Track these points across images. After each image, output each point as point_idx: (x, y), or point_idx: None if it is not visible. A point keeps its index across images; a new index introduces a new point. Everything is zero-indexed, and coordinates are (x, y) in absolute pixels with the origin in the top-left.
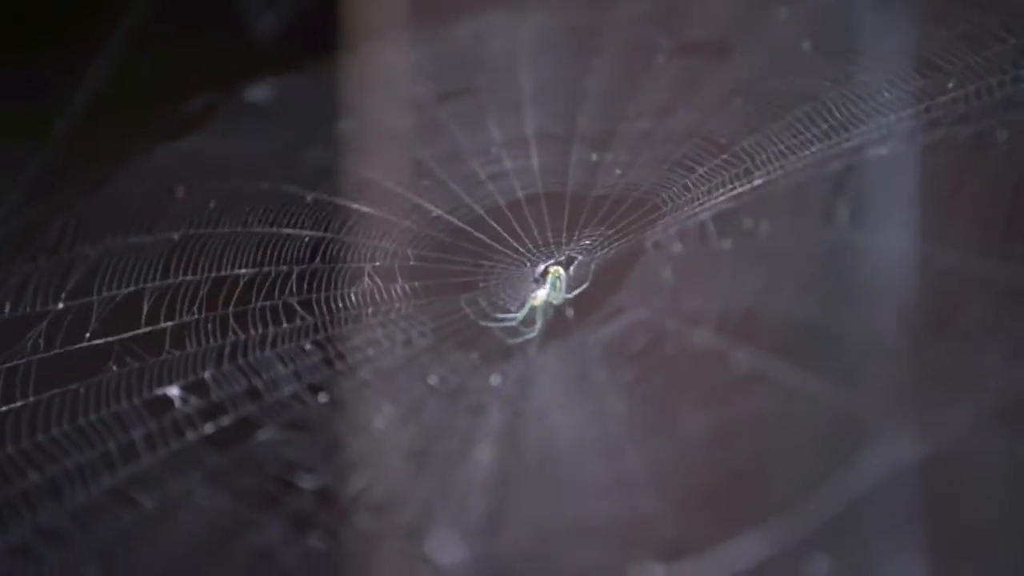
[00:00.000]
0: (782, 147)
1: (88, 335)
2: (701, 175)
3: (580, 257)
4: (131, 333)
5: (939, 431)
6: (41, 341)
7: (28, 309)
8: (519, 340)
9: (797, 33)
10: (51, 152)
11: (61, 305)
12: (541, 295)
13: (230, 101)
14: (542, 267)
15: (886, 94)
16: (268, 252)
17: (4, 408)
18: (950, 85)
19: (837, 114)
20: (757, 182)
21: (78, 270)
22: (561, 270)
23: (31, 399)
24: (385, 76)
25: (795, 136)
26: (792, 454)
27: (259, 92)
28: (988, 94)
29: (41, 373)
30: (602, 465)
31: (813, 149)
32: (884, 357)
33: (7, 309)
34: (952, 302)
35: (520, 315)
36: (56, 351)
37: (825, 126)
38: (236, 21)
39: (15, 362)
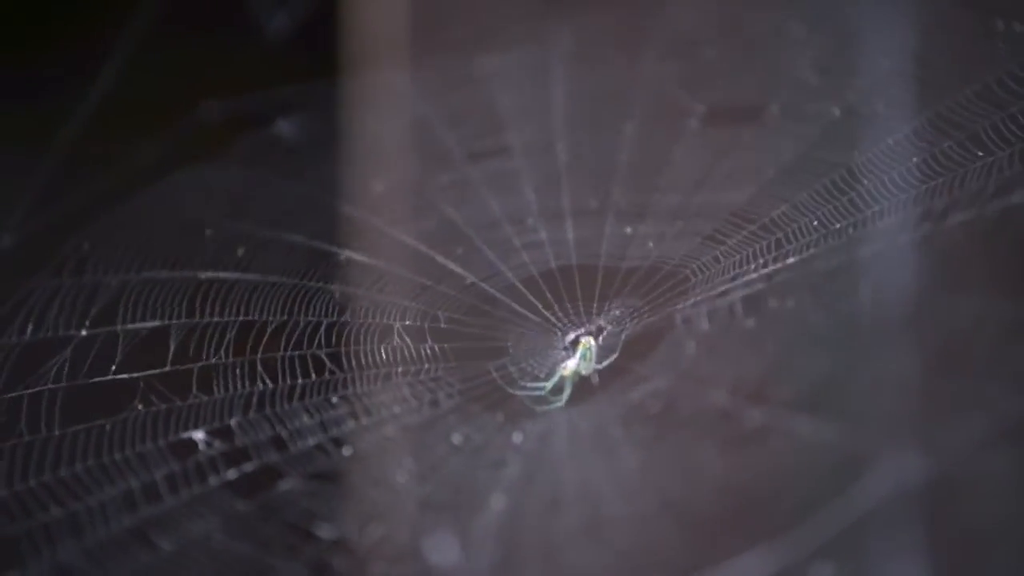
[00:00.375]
0: (812, 219)
1: (114, 368)
2: (731, 247)
3: (610, 328)
4: (158, 371)
5: (941, 452)
6: (66, 369)
7: (51, 332)
8: (547, 408)
9: (828, 97)
10: (60, 156)
11: (85, 332)
12: (571, 365)
13: (249, 122)
14: (572, 336)
15: (914, 159)
16: (297, 303)
17: (29, 438)
18: (980, 154)
19: (865, 181)
20: (791, 260)
21: (102, 297)
22: (592, 340)
23: (56, 432)
24: (414, 124)
25: (823, 206)
26: (799, 486)
27: (285, 125)
28: (1021, 162)
29: (65, 401)
30: (615, 507)
31: (844, 224)
32: (890, 397)
33: (30, 329)
34: (957, 337)
35: (549, 384)
36: (81, 382)
37: (853, 194)
38: (246, 22)
39: (39, 388)
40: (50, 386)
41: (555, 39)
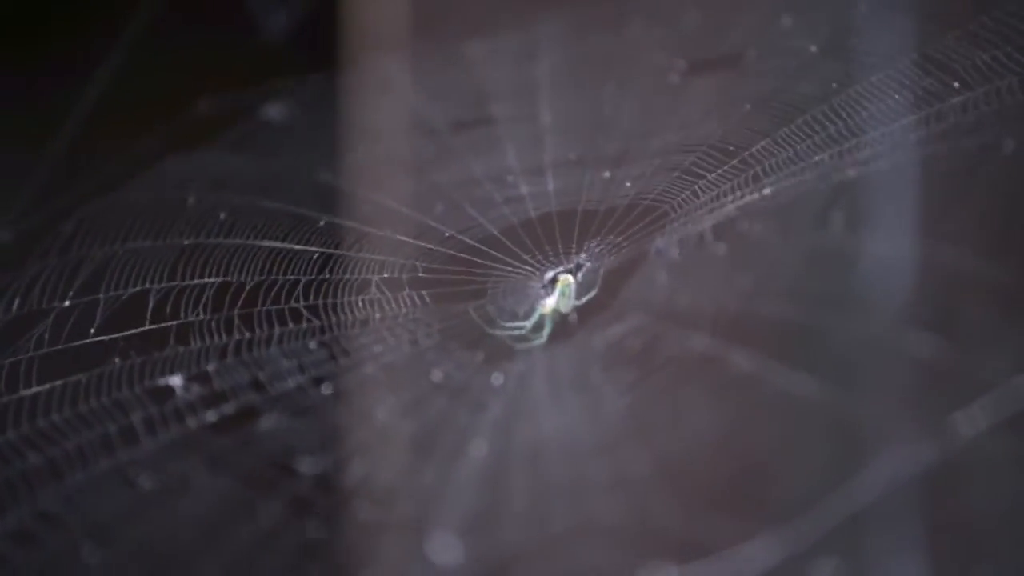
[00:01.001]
0: (791, 152)
1: (93, 331)
2: (710, 181)
3: (588, 264)
4: (136, 330)
5: (943, 436)
6: (46, 336)
7: (35, 306)
8: (526, 346)
9: (804, 37)
10: (59, 154)
11: (68, 303)
12: (550, 303)
13: (244, 115)
14: (551, 274)
15: (896, 96)
16: (276, 264)
17: (6, 398)
18: (956, 85)
19: (845, 116)
20: (767, 191)
21: (85, 270)
22: (571, 278)
23: (33, 388)
24: (398, 99)
25: (803, 140)
26: (796, 451)
27: (273, 109)
28: (997, 98)
29: (45, 368)
30: (601, 462)
31: (822, 156)
32: (885, 358)
33: (15, 306)
34: (954, 303)
35: (528, 323)
36: (60, 346)
37: (832, 129)
38: (245, 21)
39: (19, 356)
40: (31, 353)
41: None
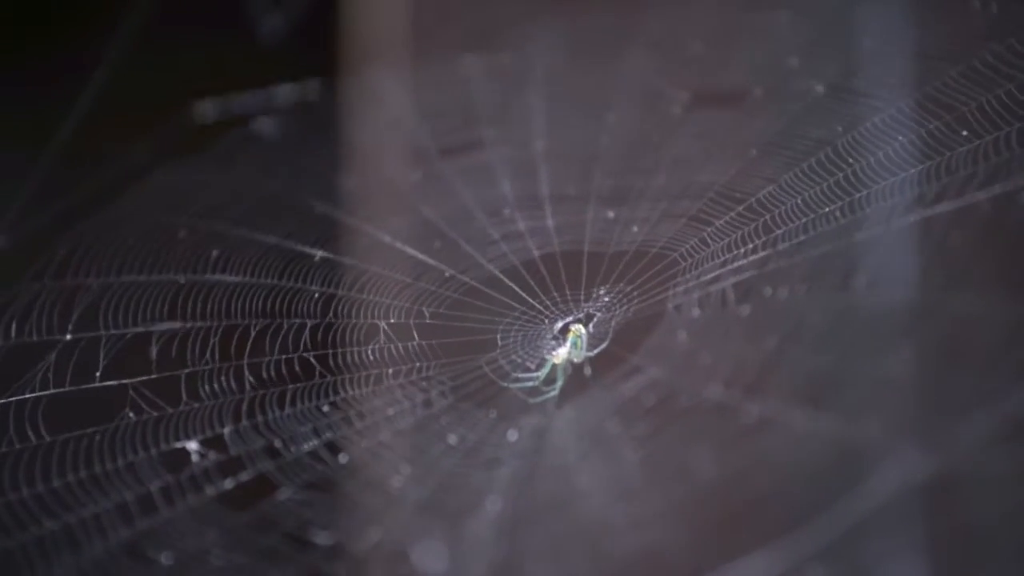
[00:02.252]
0: (798, 200)
1: (99, 373)
2: (718, 228)
3: (599, 315)
4: (144, 377)
5: (945, 449)
6: (51, 375)
7: (35, 336)
8: (540, 399)
9: (811, 76)
10: (55, 156)
11: (69, 336)
12: (561, 353)
13: (237, 123)
14: (561, 324)
15: (900, 139)
16: (278, 304)
17: (19, 446)
18: (964, 133)
19: (851, 161)
20: (781, 246)
21: (82, 301)
22: (582, 328)
23: (46, 439)
24: (393, 119)
25: (810, 187)
26: (801, 486)
27: (265, 123)
28: (1007, 147)
29: (53, 407)
30: (616, 509)
31: (832, 208)
32: (890, 393)
33: (13, 332)
34: (958, 335)
35: (541, 375)
36: (68, 388)
37: (840, 176)
38: (241, 23)
39: (26, 395)
40: (39, 393)
41: (542, 38)
